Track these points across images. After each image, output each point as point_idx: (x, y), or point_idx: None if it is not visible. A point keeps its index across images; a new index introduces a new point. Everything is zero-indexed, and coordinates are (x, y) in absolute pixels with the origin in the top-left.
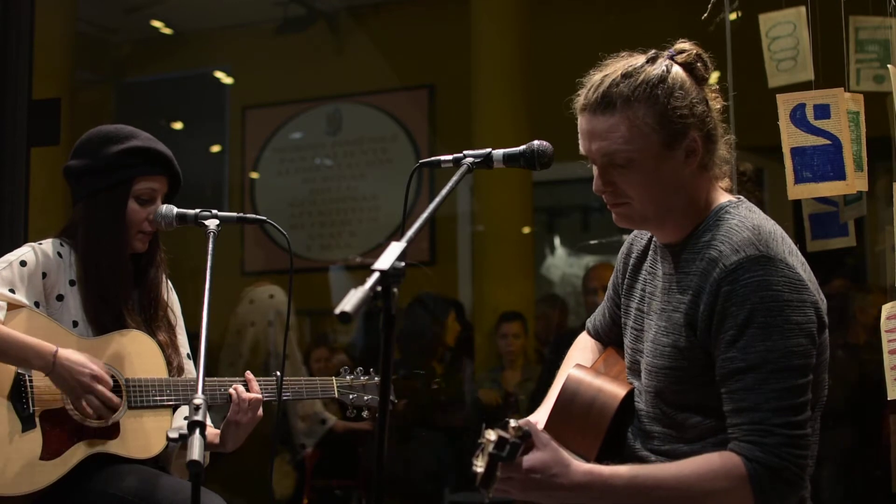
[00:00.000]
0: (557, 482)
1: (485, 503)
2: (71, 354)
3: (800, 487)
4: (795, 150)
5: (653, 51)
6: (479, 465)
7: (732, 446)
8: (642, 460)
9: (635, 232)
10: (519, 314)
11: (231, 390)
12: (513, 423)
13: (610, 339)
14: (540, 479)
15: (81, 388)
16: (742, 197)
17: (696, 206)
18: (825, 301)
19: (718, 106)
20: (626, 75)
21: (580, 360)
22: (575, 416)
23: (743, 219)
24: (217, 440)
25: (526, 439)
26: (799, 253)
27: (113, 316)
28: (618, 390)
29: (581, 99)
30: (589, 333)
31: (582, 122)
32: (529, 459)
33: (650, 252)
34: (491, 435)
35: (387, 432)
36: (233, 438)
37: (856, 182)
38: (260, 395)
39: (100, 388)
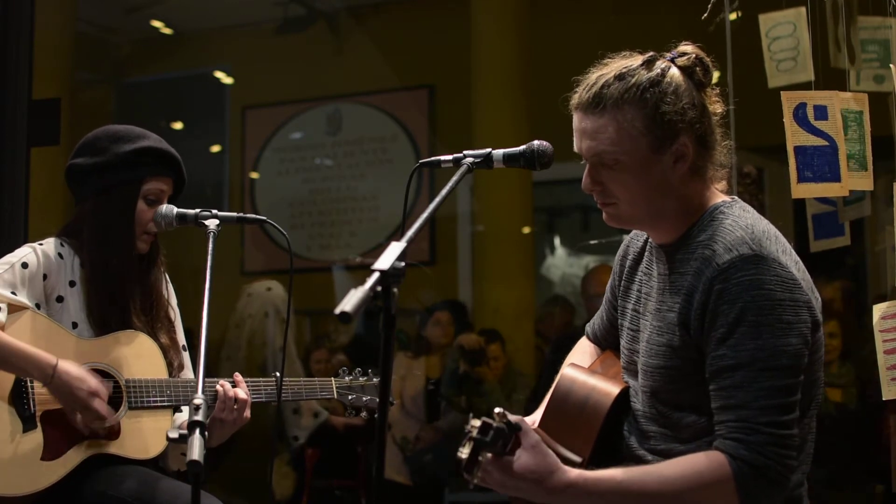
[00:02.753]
0: (538, 488)
1: (471, 488)
2: (71, 368)
3: (783, 487)
4: (798, 149)
5: (651, 53)
6: (464, 452)
7: (718, 444)
8: (639, 459)
9: (632, 233)
10: (498, 335)
11: (217, 387)
12: (498, 410)
13: (608, 342)
14: (520, 484)
15: (78, 402)
16: (736, 197)
17: (688, 208)
18: (819, 300)
19: (719, 110)
20: (619, 77)
21: (578, 362)
22: (568, 415)
23: (737, 218)
24: None
25: (514, 430)
26: (793, 252)
27: (120, 316)
28: (611, 388)
29: (576, 96)
30: (588, 338)
31: (575, 119)
32: (517, 462)
33: (646, 253)
34: (475, 422)
35: (386, 432)
36: (217, 436)
37: (851, 183)
38: (247, 398)
39: (95, 404)
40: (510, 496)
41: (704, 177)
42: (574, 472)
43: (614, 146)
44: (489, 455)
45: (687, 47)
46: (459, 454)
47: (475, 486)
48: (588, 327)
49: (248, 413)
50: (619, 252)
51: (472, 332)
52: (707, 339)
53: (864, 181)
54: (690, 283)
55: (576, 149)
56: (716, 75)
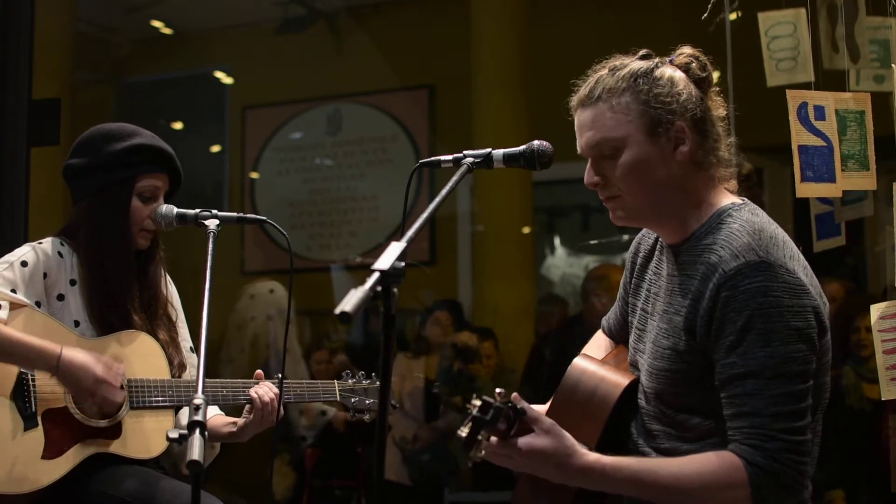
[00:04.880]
0: (556, 469)
1: (469, 466)
2: (75, 356)
3: (798, 493)
4: (801, 149)
5: (645, 50)
6: (464, 430)
7: (733, 448)
8: (644, 456)
9: (643, 231)
10: (491, 333)
11: (252, 394)
12: (499, 389)
13: (622, 337)
14: (538, 465)
15: (85, 392)
16: (746, 199)
17: (694, 205)
18: (827, 304)
19: (722, 112)
20: (613, 69)
21: (591, 355)
22: (576, 405)
23: (744, 223)
24: (227, 429)
25: (519, 414)
26: (801, 256)
27: (119, 314)
28: (620, 380)
29: (575, 97)
30: (603, 331)
31: (575, 119)
32: (527, 443)
33: (656, 252)
34: (476, 401)
35: (386, 433)
36: (252, 433)
37: (851, 183)
38: (275, 395)
39: (102, 391)
40: (514, 493)
41: (709, 172)
42: (592, 456)
43: (611, 132)
44: (494, 438)
45: (684, 48)
46: (460, 432)
47: (474, 485)
48: (604, 321)
49: (280, 411)
50: (631, 249)
51: (468, 331)
52: (715, 346)
53: (865, 181)
54: (697, 289)
55: (579, 149)
56: (715, 75)
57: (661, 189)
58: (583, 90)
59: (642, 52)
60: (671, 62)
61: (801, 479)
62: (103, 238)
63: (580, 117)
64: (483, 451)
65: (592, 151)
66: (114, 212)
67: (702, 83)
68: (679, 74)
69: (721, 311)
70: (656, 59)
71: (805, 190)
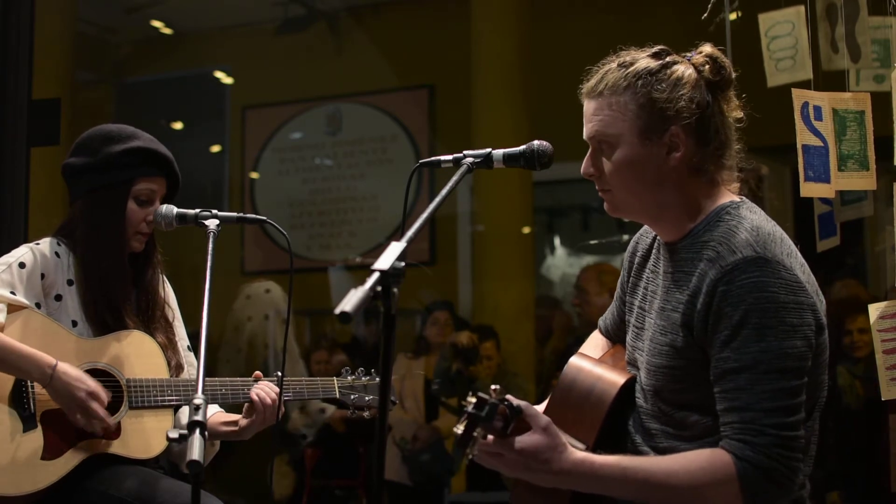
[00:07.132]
0: (546, 467)
1: (465, 462)
2: (69, 369)
3: (789, 489)
4: (805, 148)
5: (662, 46)
6: (460, 427)
7: (724, 444)
8: (642, 455)
9: (641, 230)
10: (492, 332)
11: (253, 396)
12: (494, 386)
13: (619, 337)
14: (529, 462)
15: (76, 403)
16: (744, 198)
17: (690, 206)
18: (824, 302)
19: (738, 115)
20: (622, 65)
21: (588, 354)
22: (573, 403)
23: (742, 219)
24: (228, 428)
25: (516, 413)
26: (799, 255)
27: (114, 314)
28: (617, 378)
29: (584, 85)
30: (600, 331)
31: (584, 105)
32: (523, 441)
33: (654, 250)
34: (472, 399)
35: (386, 432)
36: (254, 432)
37: (851, 183)
38: (275, 394)
39: (94, 405)
40: (511, 494)
41: (710, 177)
42: (580, 454)
43: (608, 128)
44: (490, 436)
45: (705, 47)
46: (455, 429)
47: (474, 485)
48: (601, 321)
49: (281, 409)
50: (629, 248)
51: (468, 330)
52: (711, 340)
53: (864, 181)
54: (695, 285)
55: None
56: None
57: (650, 190)
58: (592, 80)
59: (656, 48)
60: (689, 60)
61: (792, 476)
62: (99, 238)
63: (586, 106)
64: (478, 450)
65: (591, 143)
66: (110, 213)
67: (715, 86)
68: (689, 75)
69: (717, 306)
70: (668, 58)
71: (807, 189)
